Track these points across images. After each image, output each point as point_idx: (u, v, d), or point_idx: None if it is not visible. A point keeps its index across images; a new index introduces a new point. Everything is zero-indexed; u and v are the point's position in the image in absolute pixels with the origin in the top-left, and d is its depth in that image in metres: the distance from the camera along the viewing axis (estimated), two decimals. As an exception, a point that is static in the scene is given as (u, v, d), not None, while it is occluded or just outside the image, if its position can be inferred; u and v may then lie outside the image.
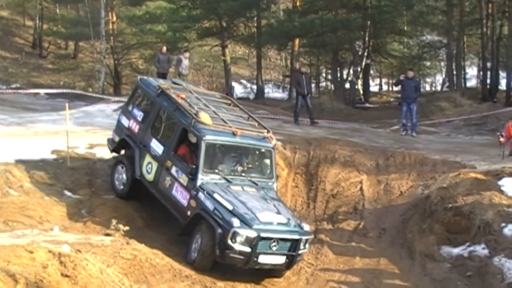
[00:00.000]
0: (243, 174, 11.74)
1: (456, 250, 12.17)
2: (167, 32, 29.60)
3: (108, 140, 13.78)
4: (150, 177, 12.05)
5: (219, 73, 34.95)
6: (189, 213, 11.09)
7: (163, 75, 24.94)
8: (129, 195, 12.64)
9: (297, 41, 29.72)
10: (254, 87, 33.61)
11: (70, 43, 37.25)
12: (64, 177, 13.52)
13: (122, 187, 12.73)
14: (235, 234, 10.29)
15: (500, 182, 13.47)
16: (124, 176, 12.67)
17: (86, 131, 17.47)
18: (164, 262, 10.11)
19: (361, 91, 29.87)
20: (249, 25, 31.77)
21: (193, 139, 11.65)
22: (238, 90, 35.06)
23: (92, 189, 13.52)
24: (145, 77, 14.06)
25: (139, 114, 12.82)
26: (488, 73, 28.26)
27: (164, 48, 25.10)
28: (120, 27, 32.67)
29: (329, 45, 29.82)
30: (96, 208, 12.58)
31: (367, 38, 28.71)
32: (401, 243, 12.94)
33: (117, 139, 13.26)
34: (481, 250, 11.83)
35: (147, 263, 9.78)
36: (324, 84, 37.10)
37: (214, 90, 21.86)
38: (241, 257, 10.41)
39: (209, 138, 11.37)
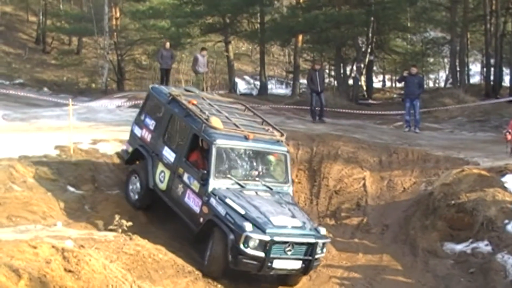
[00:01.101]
0: (256, 179, 11.42)
1: (459, 247, 12.16)
2: (170, 28, 29.61)
3: (122, 151, 13.65)
4: (163, 186, 11.82)
5: (222, 69, 34.93)
6: (201, 220, 10.83)
7: (166, 71, 25.01)
8: (143, 205, 12.38)
9: (300, 37, 29.71)
10: (257, 83, 33.60)
11: (74, 39, 37.26)
12: (67, 172, 13.52)
13: (136, 197, 12.45)
14: (247, 239, 9.98)
15: (503, 179, 13.44)
16: (138, 186, 12.40)
17: (89, 127, 17.48)
18: (167, 258, 10.12)
19: (364, 87, 29.85)
20: (252, 21, 31.74)
21: (205, 145, 11.43)
22: (241, 86, 35.05)
23: (95, 184, 13.53)
24: (156, 85, 13.88)
25: (151, 123, 12.61)
26: (492, 69, 28.22)
27: (167, 44, 25.12)
28: (123, 23, 32.69)
29: (332, 41, 29.84)
30: (99, 204, 12.61)
31: (370, 34, 28.64)
32: (403, 239, 12.94)
33: (130, 149, 13.01)
34: (484, 246, 11.82)
35: (150, 259, 9.79)
36: (327, 80, 37.04)
37: (217, 86, 21.84)
38: (255, 262, 10.12)
39: (220, 142, 11.10)
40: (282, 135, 12.06)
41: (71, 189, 13.06)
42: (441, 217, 12.76)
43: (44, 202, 12.02)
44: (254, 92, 33.01)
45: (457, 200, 12.73)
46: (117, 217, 10.45)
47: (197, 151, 11.65)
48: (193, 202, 11.08)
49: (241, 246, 9.98)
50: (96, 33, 30.20)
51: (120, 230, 9.98)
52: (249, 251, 10.01)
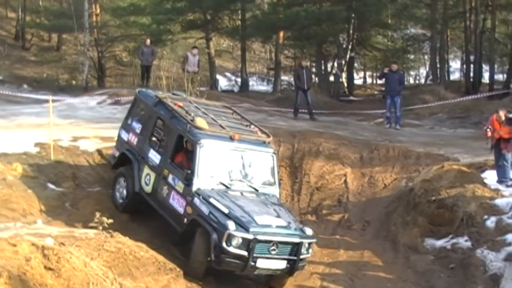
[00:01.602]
0: (242, 180, 11.33)
1: (439, 242, 12.25)
2: (151, 25, 29.45)
3: (109, 156, 13.56)
4: (148, 188, 11.72)
5: (203, 66, 34.67)
6: (185, 220, 10.75)
7: (146, 68, 24.93)
8: (130, 209, 12.23)
9: (281, 33, 29.68)
10: (239, 80, 33.52)
11: (53, 35, 36.90)
12: (48, 169, 13.46)
13: (122, 201, 12.34)
14: (230, 237, 9.90)
15: (483, 175, 13.57)
16: (124, 189, 12.30)
17: (69, 124, 17.37)
18: (148, 255, 10.09)
19: (345, 84, 29.91)
20: (234, 18, 31.68)
21: (189, 146, 11.37)
22: (223, 83, 34.95)
23: (76, 182, 13.47)
24: (143, 89, 13.85)
25: (137, 126, 12.55)
26: (472, 66, 28.40)
27: (148, 41, 25.05)
28: (104, 19, 32.44)
29: (313, 37, 29.83)
30: (79, 201, 12.55)
31: (351, 31, 28.70)
32: (385, 235, 13.02)
33: (117, 154, 12.91)
34: (464, 242, 11.91)
35: (131, 256, 9.75)
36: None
37: (199, 82, 21.70)
38: (238, 261, 10.03)
39: (205, 142, 11.04)
40: (268, 136, 12.05)
41: (52, 186, 13.00)
42: (422, 213, 12.84)
43: (24, 200, 11.94)
44: (235, 89, 32.93)
45: (437, 196, 12.82)
46: (97, 214, 10.33)
47: (182, 152, 11.58)
48: (177, 203, 10.99)
49: (224, 244, 9.89)
50: (76, 30, 29.91)
51: (101, 228, 9.90)
52: (232, 249, 9.93)
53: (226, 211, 10.23)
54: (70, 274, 7.76)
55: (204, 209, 10.38)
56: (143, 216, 12.31)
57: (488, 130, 13.15)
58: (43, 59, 34.58)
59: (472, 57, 28.46)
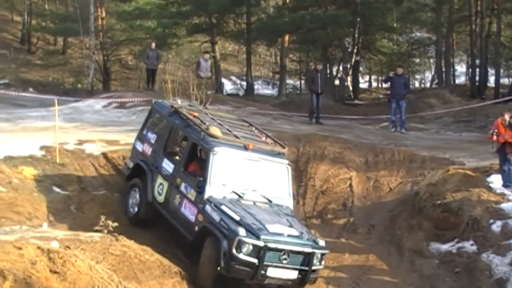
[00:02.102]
0: (255, 190, 11.08)
1: (445, 247, 12.23)
2: (156, 28, 29.54)
3: (123, 167, 13.42)
4: (161, 198, 11.57)
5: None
6: (196, 228, 10.58)
7: (152, 71, 24.95)
8: (143, 220, 11.99)
9: (286, 37, 29.73)
10: (244, 83, 33.59)
11: (59, 39, 37.05)
12: (53, 173, 13.48)
13: (135, 211, 12.09)
14: (240, 243, 9.71)
15: (488, 179, 13.53)
16: (137, 200, 12.09)
17: (75, 127, 17.40)
18: (154, 259, 10.08)
19: (351, 88, 29.92)
20: (239, 21, 31.72)
21: (203, 154, 11.24)
22: (228, 86, 35.04)
23: (81, 185, 13.48)
24: (159, 100, 13.71)
25: (152, 137, 12.46)
26: (477, 70, 28.38)
27: (153, 44, 25.07)
28: (109, 23, 32.53)
29: (318, 41, 29.88)
30: (85, 205, 12.56)
31: (356, 35, 28.73)
32: (390, 239, 12.99)
33: (131, 165, 12.73)
34: (469, 246, 11.88)
35: (136, 260, 9.75)
36: (306, 79, 37.06)
37: (203, 86, 21.71)
38: (247, 269, 9.80)
39: (218, 150, 10.89)
40: (283, 148, 11.91)
41: (57, 189, 13.00)
42: (427, 217, 12.82)
43: (30, 203, 11.96)
44: (241, 93, 33.00)
45: (442, 200, 12.80)
46: (103, 217, 10.39)
47: (195, 161, 11.46)
48: (189, 211, 10.84)
49: (234, 251, 9.72)
50: (81, 33, 30.03)
51: (106, 231, 9.92)
52: (242, 256, 9.74)
53: (237, 218, 10.07)
54: (76, 277, 7.77)
55: (215, 216, 10.24)
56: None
57: (494, 134, 13.12)
58: (48, 62, 34.70)
59: (477, 61, 28.47)
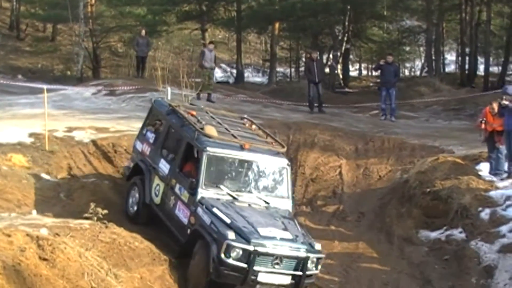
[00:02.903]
0: (251, 191, 10.66)
1: (434, 234, 12.28)
2: (146, 15, 29.41)
3: (124, 167, 13.17)
4: (157, 199, 11.23)
5: (198, 57, 34.78)
6: (188, 231, 10.22)
7: (141, 59, 24.87)
8: (141, 220, 11.60)
9: (277, 25, 29.66)
10: (234, 71, 33.52)
11: (48, 26, 36.79)
12: (42, 160, 13.44)
13: (134, 211, 11.81)
14: (229, 247, 9.29)
15: (477, 167, 13.60)
16: (136, 200, 11.80)
17: (64, 115, 17.32)
18: (143, 246, 10.08)
19: (341, 76, 29.91)
20: (229, 9, 31.63)
21: (198, 154, 10.82)
22: (218, 74, 34.89)
23: (71, 172, 13.46)
24: (159, 99, 13.35)
25: (151, 136, 12.14)
26: (467, 58, 28.44)
27: (143, 32, 25.00)
28: (99, 10, 32.36)
29: (309, 29, 29.84)
30: (74, 192, 12.53)
31: (347, 23, 28.71)
32: (379, 227, 13.04)
33: (131, 165, 12.44)
34: (458, 234, 11.94)
35: (126, 247, 9.74)
36: (303, 68, 37.04)
37: (194, 74, 21.61)
38: (237, 274, 9.35)
39: (212, 150, 10.46)
40: (283, 147, 11.48)
41: (46, 177, 12.98)
42: (416, 205, 12.87)
43: (19, 190, 11.93)
44: (231, 80, 32.95)
45: (432, 188, 12.85)
46: (92, 205, 10.39)
47: (191, 162, 11.08)
48: (182, 213, 10.48)
49: (222, 255, 9.30)
50: (71, 20, 29.81)
51: (95, 218, 9.91)
52: (231, 261, 9.32)
53: (228, 221, 9.67)
54: (65, 264, 7.76)
55: (206, 219, 9.85)
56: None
57: (482, 122, 13.17)
58: (38, 49, 34.48)
59: (467, 49, 28.53)
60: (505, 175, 13.05)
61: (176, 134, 11.52)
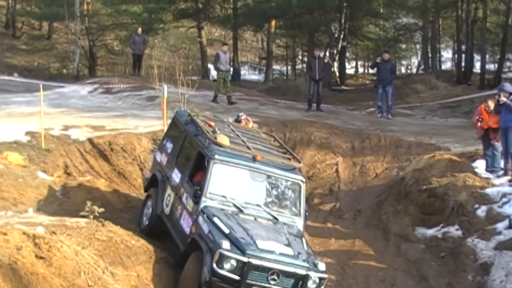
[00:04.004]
0: (259, 205, 9.99)
1: (430, 231, 12.28)
2: (142, 13, 29.35)
3: (143, 179, 12.82)
4: (167, 210, 10.70)
5: (195, 55, 34.78)
6: (189, 240, 9.70)
7: (138, 57, 24.87)
8: (152, 232, 10.94)
9: (273, 22, 29.67)
10: (231, 69, 33.51)
11: (44, 24, 36.77)
12: (39, 158, 13.42)
13: (146, 222, 11.25)
14: (222, 257, 8.75)
15: (474, 164, 13.63)
16: (149, 211, 11.29)
17: (60, 113, 17.32)
18: (140, 244, 10.05)
19: (337, 74, 29.93)
20: (225, 7, 31.63)
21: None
22: (214, 72, 34.92)
23: (67, 171, 13.44)
24: (182, 109, 12.78)
25: (169, 147, 11.64)
26: (463, 56, 28.48)
27: (139, 30, 24.99)
28: (95, 8, 32.31)
29: (305, 26, 29.88)
30: (71, 190, 12.51)
31: (343, 20, 28.74)
32: (376, 224, 13.04)
33: (149, 176, 12.04)
34: (454, 231, 11.94)
35: (123, 245, 9.71)
36: (300, 66, 37.10)
37: (190, 72, 21.58)
38: (229, 286, 8.82)
39: (220, 158, 9.87)
40: (299, 162, 10.78)
41: (43, 175, 12.95)
42: (413, 202, 12.88)
43: (15, 189, 11.90)
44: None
45: (428, 185, 12.85)
46: (89, 203, 10.38)
47: (202, 171, 10.40)
48: (185, 222, 9.96)
49: (215, 265, 8.76)
50: (67, 18, 29.78)
51: (92, 216, 9.92)
52: (223, 272, 8.76)
53: (226, 231, 9.15)
54: (61, 263, 7.75)
55: (205, 228, 9.34)
56: (134, 206, 12.30)
57: (478, 120, 13.19)
58: (33, 47, 34.44)
59: (463, 47, 28.56)
60: (501, 172, 13.07)
61: (190, 144, 10.98)
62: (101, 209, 10.21)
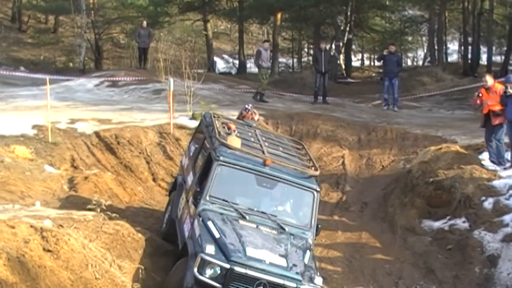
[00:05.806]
0: (265, 213, 9.20)
1: (437, 224, 12.27)
2: (148, 6, 29.34)
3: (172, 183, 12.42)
4: (179, 214, 10.16)
5: (201, 48, 34.77)
6: (183, 245, 9.21)
7: (143, 50, 24.88)
8: (168, 237, 10.45)
9: (279, 15, 29.58)
10: (236, 62, 33.49)
11: (50, 17, 36.79)
12: (46, 152, 13.46)
13: (164, 226, 10.92)
14: (203, 262, 8.08)
15: (480, 156, 13.60)
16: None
17: (67, 106, 17.36)
18: (146, 237, 10.09)
19: (343, 66, 29.87)
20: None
21: None
22: (220, 65, 34.94)
23: (74, 164, 13.47)
24: (209, 112, 11.89)
25: (192, 150, 11.23)
26: (469, 48, 28.36)
27: (145, 23, 25.00)
28: (100, 1, 32.32)
29: (311, 19, 29.78)
30: (78, 183, 12.54)
31: (349, 13, 28.64)
32: (382, 217, 13.04)
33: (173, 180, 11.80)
34: (461, 223, 11.93)
35: (130, 238, 9.74)
36: (306, 59, 37.04)
37: (196, 65, 21.55)
38: None
39: (225, 160, 9.24)
40: (316, 170, 9.90)
41: (50, 168, 12.99)
42: (420, 195, 12.86)
43: (22, 182, 11.94)
44: (233, 71, 32.93)
45: (435, 178, 12.83)
46: (96, 196, 10.42)
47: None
48: (186, 226, 9.39)
49: (196, 271, 8.07)
50: (73, 12, 29.80)
51: (99, 210, 9.95)
52: (204, 279, 8.08)
53: (217, 235, 8.50)
54: (69, 255, 7.78)
55: (197, 232, 8.73)
56: (141, 199, 12.33)
57: (478, 95, 13.15)
58: (40, 41, 34.47)
59: (470, 39, 28.44)
60: (508, 164, 13.04)
61: (206, 146, 10.38)
62: (108, 202, 10.25)
